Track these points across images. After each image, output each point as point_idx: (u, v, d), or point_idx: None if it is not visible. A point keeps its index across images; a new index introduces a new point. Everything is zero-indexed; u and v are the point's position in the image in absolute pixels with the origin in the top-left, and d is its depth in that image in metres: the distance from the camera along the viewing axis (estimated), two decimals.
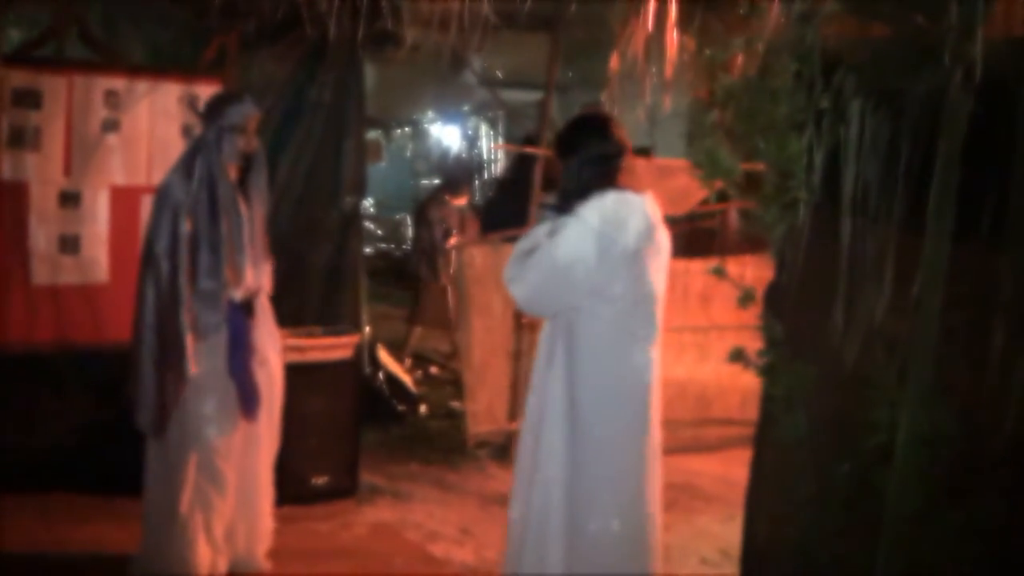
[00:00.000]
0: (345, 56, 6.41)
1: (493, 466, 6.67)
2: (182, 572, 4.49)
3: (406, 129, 18.23)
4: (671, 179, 6.96)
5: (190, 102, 5.27)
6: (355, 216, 6.66)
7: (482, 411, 6.75)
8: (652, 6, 5.09)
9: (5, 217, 5.48)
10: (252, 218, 4.60)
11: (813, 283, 3.27)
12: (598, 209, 3.66)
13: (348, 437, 5.90)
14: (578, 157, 3.81)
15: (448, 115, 18.76)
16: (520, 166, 7.58)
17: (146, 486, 4.63)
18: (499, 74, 16.46)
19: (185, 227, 4.40)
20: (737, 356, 3.43)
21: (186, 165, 4.50)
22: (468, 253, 6.65)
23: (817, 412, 3.21)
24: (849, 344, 3.14)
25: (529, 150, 6.76)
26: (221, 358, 4.51)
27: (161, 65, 5.93)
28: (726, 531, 5.53)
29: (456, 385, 9.07)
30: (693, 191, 6.98)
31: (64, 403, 5.69)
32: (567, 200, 3.77)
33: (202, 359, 4.44)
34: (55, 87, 5.53)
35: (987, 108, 2.76)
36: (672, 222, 7.23)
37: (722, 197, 3.59)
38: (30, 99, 5.48)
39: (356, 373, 6.05)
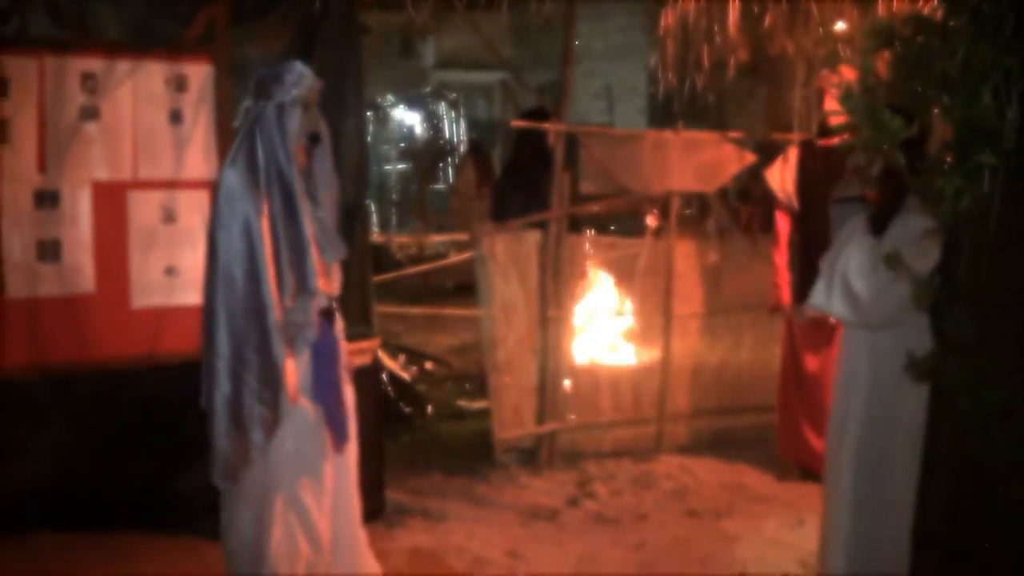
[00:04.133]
0: (342, 32, 5.65)
1: (524, 474, 5.99)
2: None
3: (367, 113, 17.37)
4: (701, 153, 6.36)
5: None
6: (359, 206, 5.90)
7: (509, 415, 6.06)
8: None
9: None
10: (326, 209, 3.84)
11: (1011, 269, 2.63)
12: None
13: (372, 453, 5.15)
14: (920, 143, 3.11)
15: (408, 98, 18.04)
16: (523, 145, 6.86)
17: (225, 535, 3.83)
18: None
19: (262, 228, 3.59)
20: (916, 366, 2.77)
21: (246, 155, 3.65)
22: (489, 243, 5.93)
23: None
24: None
25: (549, 126, 6.05)
26: (305, 379, 3.75)
27: (142, 43, 5.12)
28: (798, 538, 4.96)
29: (456, 381, 8.43)
30: (724, 165, 6.36)
31: (43, 433, 4.88)
32: (891, 188, 3.14)
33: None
34: (23, 71, 4.71)
35: None
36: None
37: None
38: None
39: (376, 381, 5.33)
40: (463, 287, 11.28)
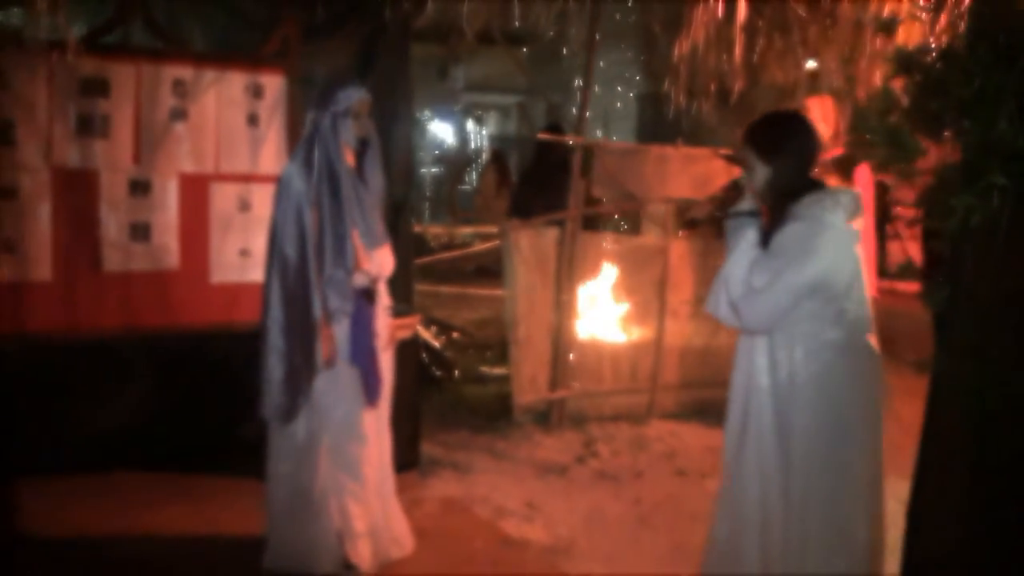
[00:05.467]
0: (395, 52, 5.31)
1: (538, 433, 5.65)
2: (318, 559, 3.59)
3: None
4: (696, 165, 6.01)
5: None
6: (405, 201, 5.57)
7: (526, 382, 5.74)
8: None
9: (76, 205, 4.37)
10: (371, 203, 3.61)
11: (1015, 280, 2.29)
12: (837, 210, 2.68)
13: (411, 412, 4.87)
14: (791, 156, 2.78)
15: (442, 114, 17.67)
16: (542, 154, 6.52)
17: (271, 474, 3.65)
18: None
19: (310, 217, 3.45)
20: (920, 367, 2.44)
21: (304, 154, 3.52)
22: (515, 237, 5.60)
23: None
24: None
25: (571, 139, 5.71)
26: (344, 345, 3.57)
27: (224, 54, 4.79)
28: None
29: (478, 349, 8.09)
30: (715, 176, 6.00)
31: (131, 385, 4.59)
32: (778, 201, 2.76)
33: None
34: (123, 75, 4.41)
35: None
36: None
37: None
38: (98, 87, 4.36)
39: (416, 351, 5.02)
40: (483, 270, 10.98)
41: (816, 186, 2.78)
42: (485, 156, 16.35)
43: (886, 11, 3.49)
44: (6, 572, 3.47)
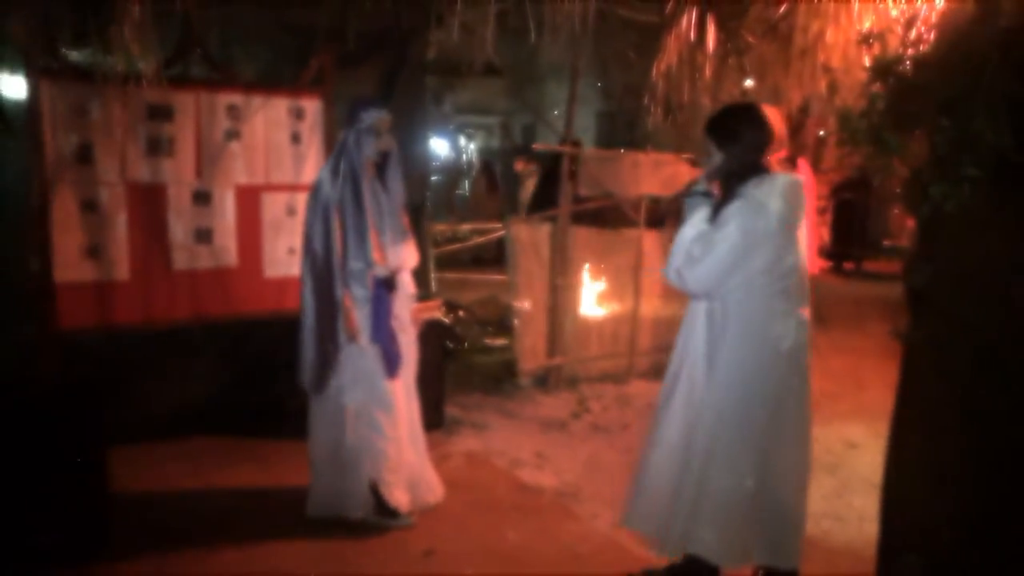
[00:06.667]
0: (415, 78, 5.07)
1: (539, 394, 5.47)
2: (351, 506, 3.47)
3: None
4: (664, 168, 5.80)
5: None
6: (423, 204, 5.37)
7: (528, 351, 5.54)
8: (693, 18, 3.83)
9: (148, 214, 4.12)
10: (390, 206, 3.40)
11: (991, 267, 2.11)
12: (772, 191, 2.49)
13: (437, 380, 4.68)
14: (741, 143, 2.58)
15: (438, 132, 17.34)
16: (554, 164, 6.31)
17: (311, 435, 3.49)
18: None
19: (335, 218, 3.27)
20: (897, 334, 2.26)
21: (333, 164, 3.34)
22: (516, 230, 5.39)
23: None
24: None
25: (561, 149, 5.49)
26: (367, 325, 3.39)
27: (270, 82, 4.54)
28: None
29: (480, 324, 7.87)
30: (680, 177, 5.81)
31: (199, 365, 4.39)
32: (728, 183, 2.57)
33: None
34: (184, 102, 4.14)
35: None
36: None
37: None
38: (163, 113, 4.09)
39: (439, 328, 4.81)
40: (478, 259, 10.77)
41: (762, 171, 2.59)
42: (476, 167, 16.11)
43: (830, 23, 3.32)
44: (104, 525, 3.27)
